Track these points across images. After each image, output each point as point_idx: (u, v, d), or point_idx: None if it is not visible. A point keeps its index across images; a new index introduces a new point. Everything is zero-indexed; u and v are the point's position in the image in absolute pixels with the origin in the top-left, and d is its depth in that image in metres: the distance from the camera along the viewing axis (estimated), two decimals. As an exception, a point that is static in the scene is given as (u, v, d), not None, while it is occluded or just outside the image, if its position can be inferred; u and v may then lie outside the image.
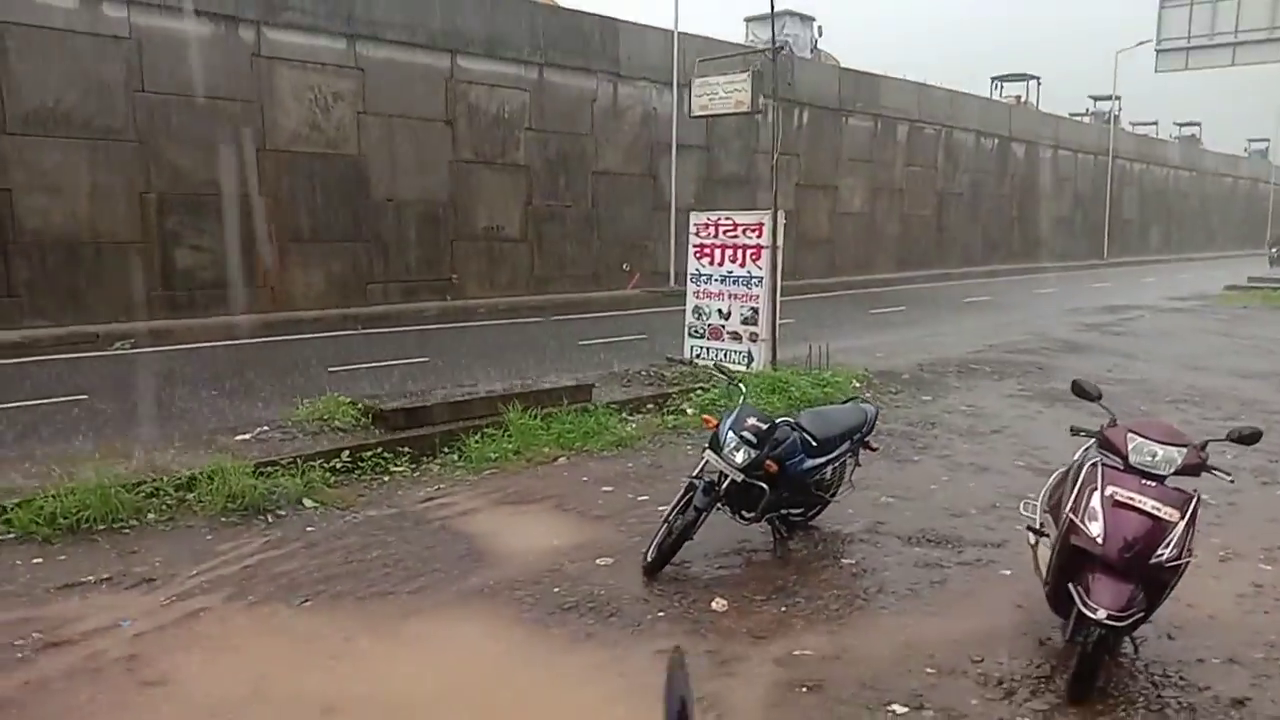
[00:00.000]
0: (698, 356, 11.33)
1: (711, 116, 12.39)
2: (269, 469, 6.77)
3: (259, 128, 17.59)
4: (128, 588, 5.11)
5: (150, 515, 6.14)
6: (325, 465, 7.03)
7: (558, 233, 22.76)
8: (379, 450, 7.48)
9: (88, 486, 6.00)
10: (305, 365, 12.41)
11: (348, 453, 7.29)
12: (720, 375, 6.81)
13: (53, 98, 15.26)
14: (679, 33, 23.67)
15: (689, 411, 9.34)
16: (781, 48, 12.43)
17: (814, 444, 5.51)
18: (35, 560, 5.46)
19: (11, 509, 5.82)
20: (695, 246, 11.37)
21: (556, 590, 5.06)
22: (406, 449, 7.66)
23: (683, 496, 5.28)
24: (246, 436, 7.67)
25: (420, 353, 13.46)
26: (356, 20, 18.66)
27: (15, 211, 15.02)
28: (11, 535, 5.71)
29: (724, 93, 11.32)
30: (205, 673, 4.20)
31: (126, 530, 5.93)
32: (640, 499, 6.71)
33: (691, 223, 11.52)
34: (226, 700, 3.98)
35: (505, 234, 21.72)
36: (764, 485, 5.21)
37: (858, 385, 10.53)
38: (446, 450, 7.80)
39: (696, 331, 11.43)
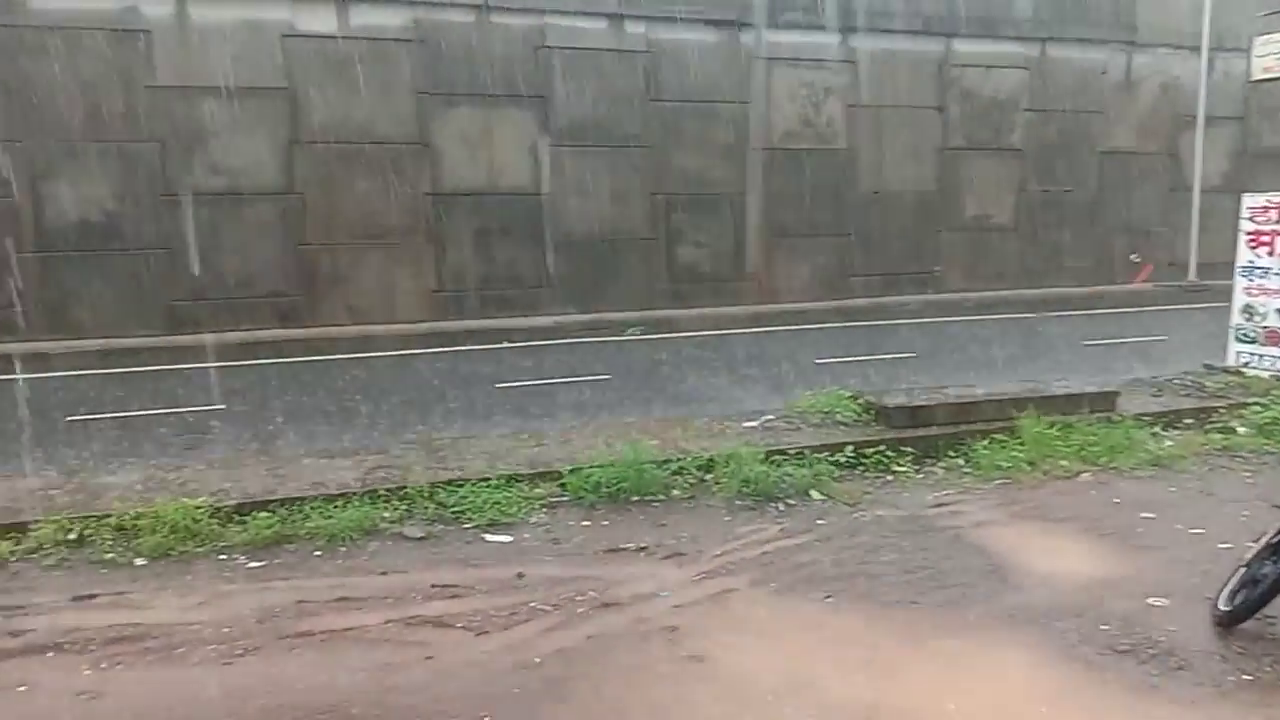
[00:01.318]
0: (1246, 364, 9.60)
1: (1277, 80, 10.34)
2: (778, 457, 6.92)
3: (754, 127, 18.40)
4: (662, 559, 5.48)
5: (675, 491, 6.57)
6: (830, 459, 7.02)
7: (1053, 220, 20.94)
8: (882, 448, 7.30)
9: (626, 460, 6.57)
10: (794, 356, 12.70)
11: (851, 448, 7.21)
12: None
13: (584, 110, 17.32)
14: (1213, -12, 20.44)
15: (1240, 431, 7.91)
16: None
17: None
18: (584, 523, 6.09)
19: (566, 474, 6.56)
20: (1249, 234, 9.61)
21: (1105, 628, 4.46)
22: (909, 449, 7.39)
23: (1274, 539, 4.36)
24: (754, 424, 7.94)
25: (905, 347, 13.13)
26: (853, 13, 18.69)
27: (552, 212, 17.32)
28: (565, 498, 6.44)
29: (1299, 50, 9.38)
30: (741, 655, 4.30)
31: (655, 504, 6.39)
32: (1193, 532, 5.76)
33: (1244, 205, 9.75)
34: (765, 687, 4.02)
35: (994, 223, 20.48)
36: (1394, 536, 4.12)
37: None
38: (951, 454, 7.40)
39: (1246, 335, 9.68)
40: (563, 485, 6.54)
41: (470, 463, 6.89)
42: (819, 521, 6.05)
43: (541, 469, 6.74)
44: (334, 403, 10.40)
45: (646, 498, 6.44)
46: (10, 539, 5.55)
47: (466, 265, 16.93)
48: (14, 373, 12.20)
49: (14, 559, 5.42)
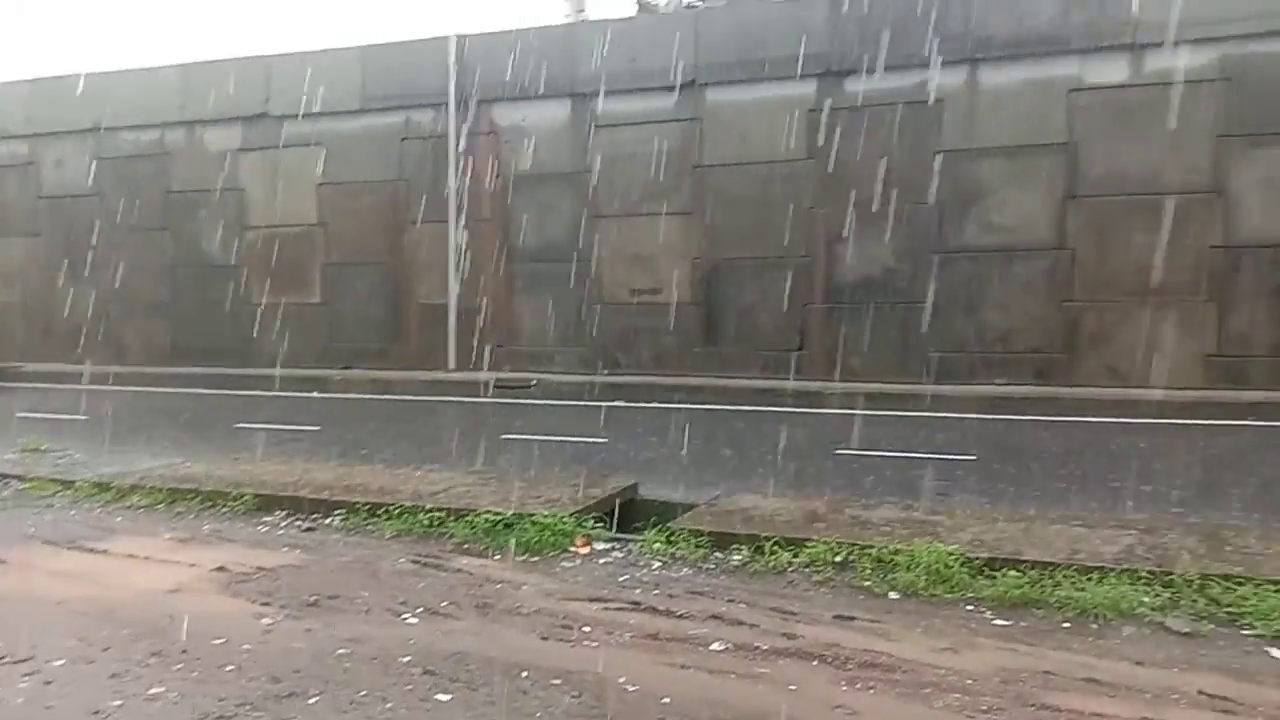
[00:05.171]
0: None
1: None
2: None
3: None
4: None
5: None
6: None
7: None
8: None
9: None
10: None
11: None
12: None
13: None
14: None
15: None
16: None
17: None
18: None
19: (1395, 599, 5.18)
20: None
21: None
22: None
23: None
24: None
25: None
26: None
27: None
28: (1392, 628, 5.08)
29: None
30: None
31: None
32: None
33: None
34: None
35: None
36: None
37: None
38: None
39: None
40: (1391, 610, 5.17)
41: (1258, 559, 5.88)
42: None
43: (1357, 584, 5.43)
44: (1082, 465, 9.87)
45: None
46: (791, 550, 6.40)
47: (1256, 327, 14.62)
48: (790, 407, 14.20)
49: (790, 569, 6.24)
